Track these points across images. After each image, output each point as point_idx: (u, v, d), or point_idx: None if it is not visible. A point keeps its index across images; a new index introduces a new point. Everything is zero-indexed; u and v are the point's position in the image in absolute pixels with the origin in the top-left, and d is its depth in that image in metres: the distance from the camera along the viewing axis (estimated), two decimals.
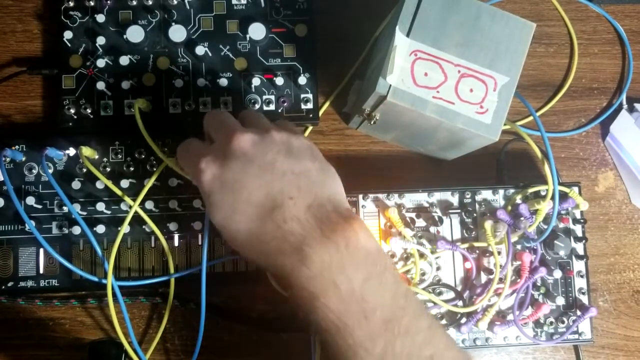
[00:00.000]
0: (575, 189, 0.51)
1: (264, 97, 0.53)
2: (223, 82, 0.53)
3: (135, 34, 0.52)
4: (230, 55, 0.53)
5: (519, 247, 0.51)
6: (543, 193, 0.51)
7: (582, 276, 0.52)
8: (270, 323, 0.53)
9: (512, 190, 0.52)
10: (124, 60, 0.52)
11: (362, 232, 0.38)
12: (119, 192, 0.49)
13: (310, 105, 0.53)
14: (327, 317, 0.37)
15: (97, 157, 0.51)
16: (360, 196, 0.51)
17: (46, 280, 0.50)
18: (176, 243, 0.51)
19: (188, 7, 0.53)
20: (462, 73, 0.43)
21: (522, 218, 0.50)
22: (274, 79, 0.52)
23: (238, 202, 0.39)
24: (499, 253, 0.50)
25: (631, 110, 0.57)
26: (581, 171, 0.57)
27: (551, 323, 0.51)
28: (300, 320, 0.48)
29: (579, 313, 0.51)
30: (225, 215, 0.39)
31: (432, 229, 0.51)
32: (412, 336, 0.37)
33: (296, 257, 0.37)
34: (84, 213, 0.50)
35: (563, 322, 0.51)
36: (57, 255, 0.47)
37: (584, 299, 0.51)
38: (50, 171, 0.50)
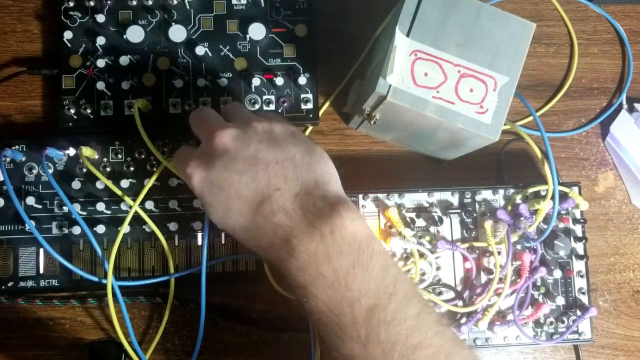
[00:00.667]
0: (575, 189, 0.51)
1: (264, 97, 0.53)
2: (223, 82, 0.52)
3: (135, 34, 0.52)
4: (230, 55, 0.53)
5: (519, 247, 0.51)
6: (543, 193, 0.51)
7: (582, 276, 0.52)
8: (270, 323, 0.53)
9: (512, 190, 0.52)
10: (124, 60, 0.52)
11: (349, 216, 0.38)
12: (119, 192, 0.49)
13: (310, 105, 0.53)
14: (317, 307, 0.37)
15: (97, 157, 0.51)
16: (360, 196, 0.51)
17: (46, 280, 0.50)
18: (176, 243, 0.51)
19: (188, 7, 0.53)
20: (462, 73, 0.43)
21: (522, 218, 0.50)
22: (274, 79, 0.52)
23: (229, 200, 0.39)
24: (499, 253, 0.50)
25: (631, 110, 0.57)
26: (581, 171, 0.57)
27: (551, 323, 0.51)
28: (300, 320, 0.48)
29: (579, 313, 0.51)
30: (222, 215, 0.40)
31: (432, 229, 0.51)
32: (398, 324, 0.36)
33: (285, 249, 0.38)
34: (84, 213, 0.50)
35: (563, 322, 0.51)
36: (57, 255, 0.47)
37: (584, 299, 0.51)
38: (50, 171, 0.50)
